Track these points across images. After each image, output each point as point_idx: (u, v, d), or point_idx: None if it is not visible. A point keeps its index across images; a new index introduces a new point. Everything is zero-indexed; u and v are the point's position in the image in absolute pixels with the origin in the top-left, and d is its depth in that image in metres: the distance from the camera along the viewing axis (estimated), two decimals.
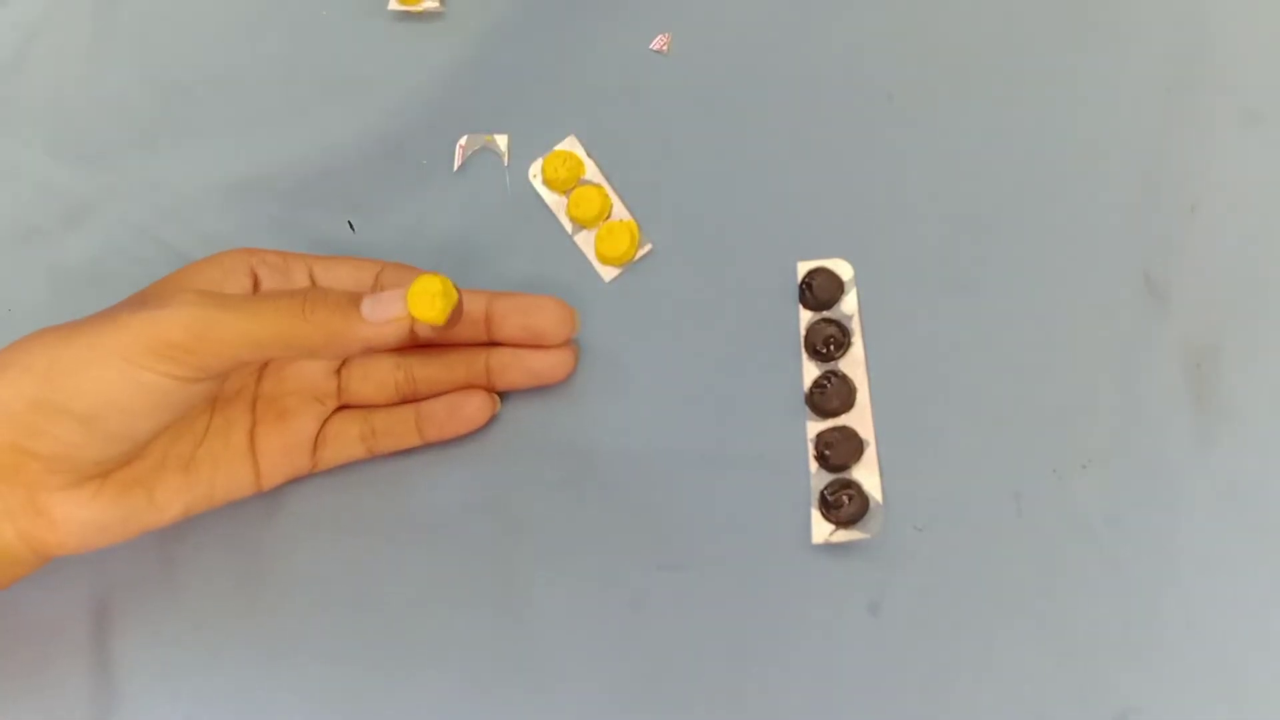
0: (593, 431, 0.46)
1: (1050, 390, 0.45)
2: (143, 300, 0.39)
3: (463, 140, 0.50)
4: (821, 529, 0.44)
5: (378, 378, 0.45)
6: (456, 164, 0.49)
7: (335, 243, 0.49)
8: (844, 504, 0.44)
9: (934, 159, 0.48)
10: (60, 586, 0.45)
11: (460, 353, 0.45)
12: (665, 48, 0.50)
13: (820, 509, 0.44)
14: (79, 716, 0.44)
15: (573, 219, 0.48)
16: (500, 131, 0.50)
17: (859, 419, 0.45)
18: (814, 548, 0.44)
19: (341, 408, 0.45)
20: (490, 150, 0.49)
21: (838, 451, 0.44)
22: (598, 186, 0.48)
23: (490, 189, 0.49)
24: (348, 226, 0.49)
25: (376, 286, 0.44)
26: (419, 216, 0.49)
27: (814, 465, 0.45)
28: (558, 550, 0.45)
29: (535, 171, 0.49)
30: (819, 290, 0.46)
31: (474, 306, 0.44)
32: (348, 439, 0.45)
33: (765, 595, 0.44)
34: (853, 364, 0.46)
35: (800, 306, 0.47)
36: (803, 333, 0.46)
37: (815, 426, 0.45)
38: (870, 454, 0.45)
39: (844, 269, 0.47)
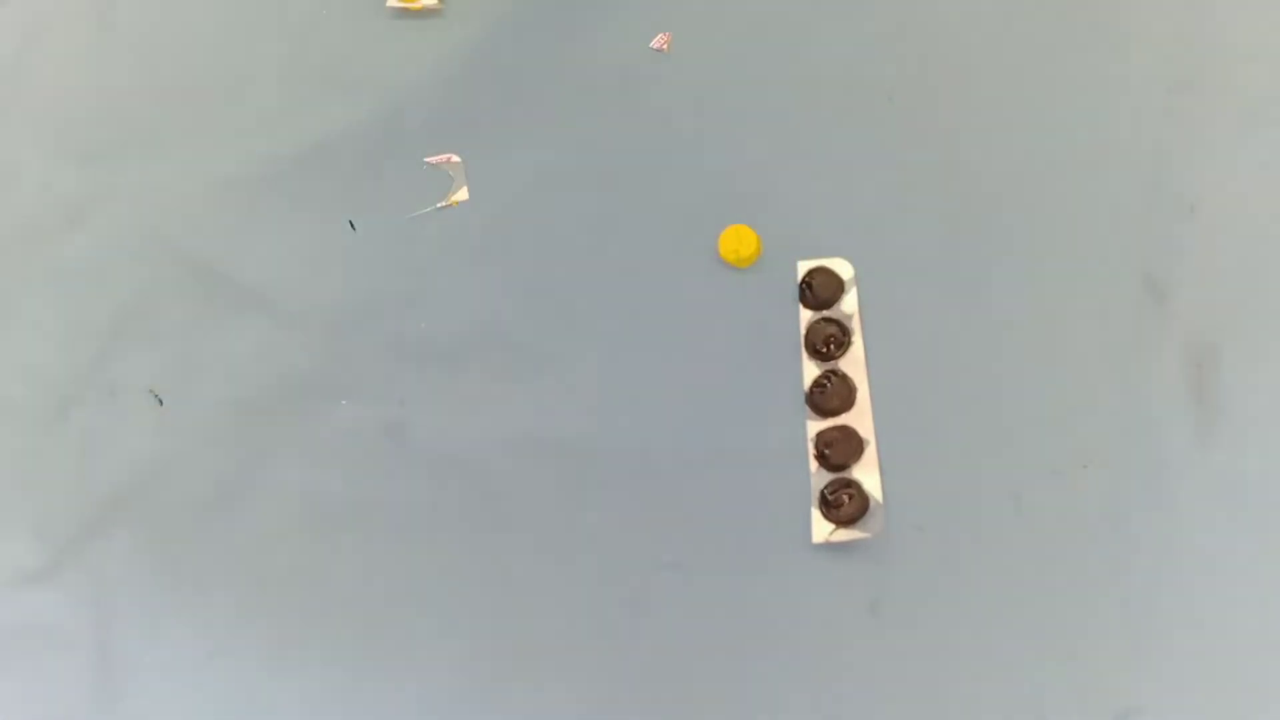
0: (592, 431, 0.46)
1: (1050, 390, 0.45)
2: None
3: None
4: (821, 528, 0.44)
5: None
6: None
7: (336, 241, 0.49)
8: (844, 503, 0.44)
9: (934, 159, 0.48)
10: (60, 586, 0.45)
11: None
12: (665, 47, 0.50)
13: (820, 508, 0.44)
14: (79, 716, 0.44)
15: None
16: (501, 128, 0.50)
17: (859, 418, 0.45)
18: (814, 547, 0.44)
19: None
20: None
21: (838, 451, 0.44)
22: None
23: None
24: (348, 226, 0.49)
25: None
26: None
27: (814, 464, 0.45)
28: (558, 549, 0.45)
29: None
30: (819, 290, 0.46)
31: None
32: None
33: (765, 594, 0.44)
34: (853, 363, 0.46)
35: (800, 306, 0.47)
36: (803, 332, 0.46)
37: (815, 426, 0.45)
38: (870, 453, 0.45)
39: (844, 269, 0.47)
